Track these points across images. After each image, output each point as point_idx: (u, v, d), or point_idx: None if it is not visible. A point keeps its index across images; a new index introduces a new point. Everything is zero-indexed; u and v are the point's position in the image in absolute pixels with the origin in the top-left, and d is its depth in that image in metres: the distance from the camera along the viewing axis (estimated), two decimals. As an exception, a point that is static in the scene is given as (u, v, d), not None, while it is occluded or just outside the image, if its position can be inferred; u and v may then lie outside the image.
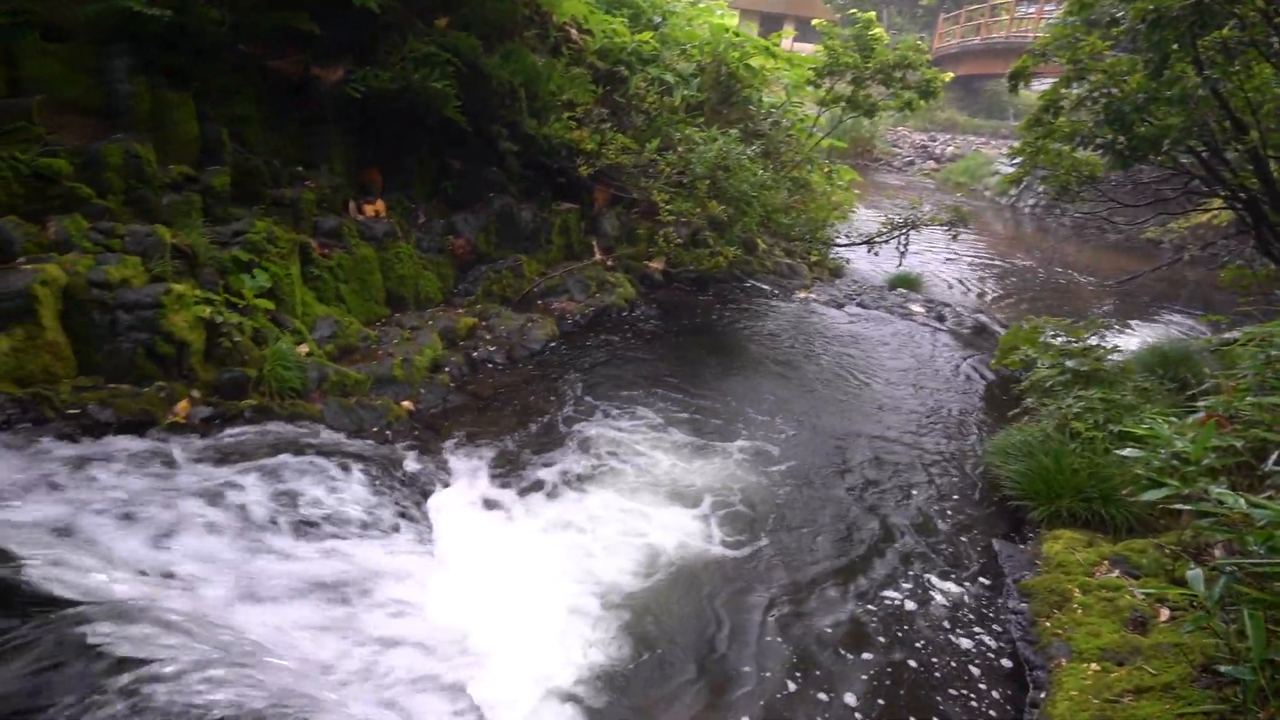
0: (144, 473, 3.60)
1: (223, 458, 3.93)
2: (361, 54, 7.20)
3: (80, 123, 5.09)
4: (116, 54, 5.27)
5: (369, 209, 6.62)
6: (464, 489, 4.71)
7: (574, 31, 8.69)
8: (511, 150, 7.83)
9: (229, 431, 4.19)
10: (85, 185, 4.72)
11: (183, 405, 4.21)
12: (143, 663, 2.06)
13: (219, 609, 2.94)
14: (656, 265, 8.41)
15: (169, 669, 2.05)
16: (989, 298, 11.10)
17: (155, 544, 3.20)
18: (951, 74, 15.57)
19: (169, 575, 3.11)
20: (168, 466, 3.73)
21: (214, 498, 3.63)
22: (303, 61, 6.84)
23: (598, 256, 8.20)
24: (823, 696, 3.29)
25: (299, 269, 5.60)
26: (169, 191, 5.15)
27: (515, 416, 5.49)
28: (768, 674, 3.39)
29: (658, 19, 10.22)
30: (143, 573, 2.93)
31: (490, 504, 4.59)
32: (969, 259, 13.21)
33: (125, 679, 1.97)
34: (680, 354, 6.85)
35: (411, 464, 4.70)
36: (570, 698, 3.21)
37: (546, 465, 4.96)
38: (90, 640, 2.06)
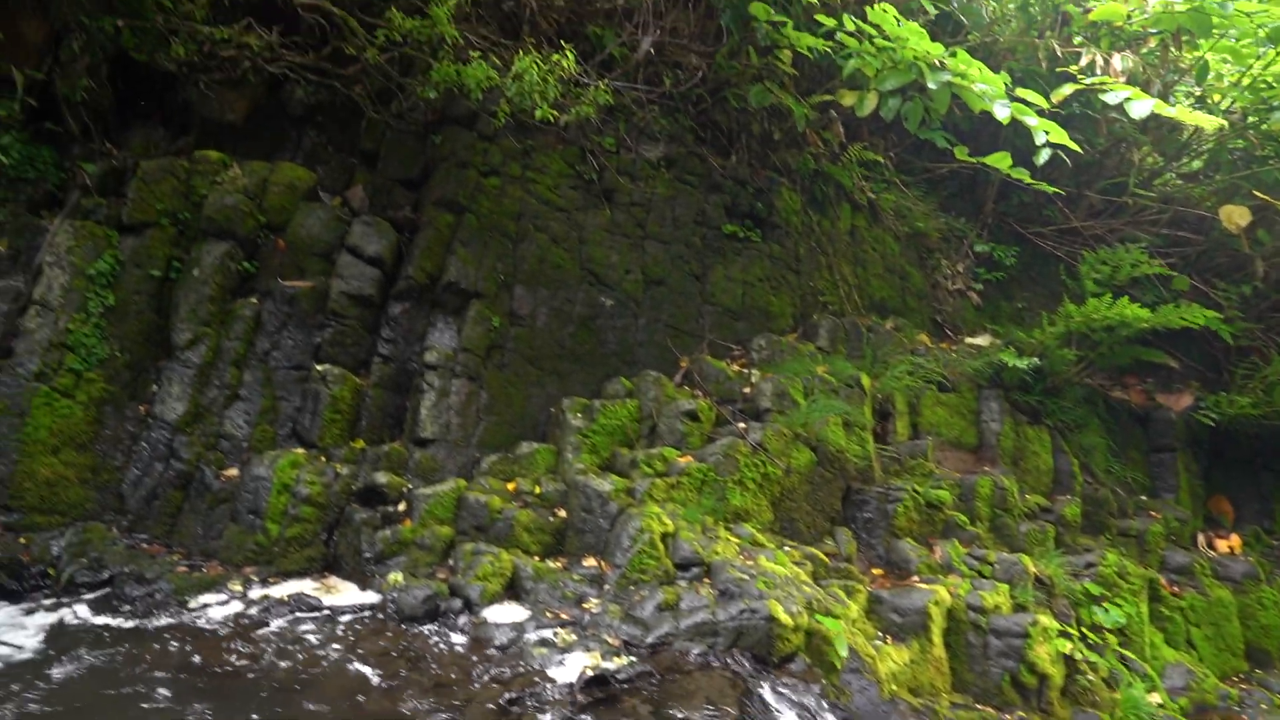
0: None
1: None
2: (1209, 379, 7.04)
3: (957, 458, 6.08)
4: (989, 398, 6.24)
5: (1221, 544, 6.13)
6: None
7: None
8: None
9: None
10: (960, 513, 5.54)
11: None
12: None
13: None
14: None
15: None
16: None
17: None
18: None
19: None
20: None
21: None
22: (1146, 390, 7.00)
23: None
24: None
25: (1147, 607, 5.43)
26: (1026, 520, 5.67)
27: None
28: None
29: None
30: None
31: None
32: None
33: None
34: None
35: None
36: None
37: None
38: None
